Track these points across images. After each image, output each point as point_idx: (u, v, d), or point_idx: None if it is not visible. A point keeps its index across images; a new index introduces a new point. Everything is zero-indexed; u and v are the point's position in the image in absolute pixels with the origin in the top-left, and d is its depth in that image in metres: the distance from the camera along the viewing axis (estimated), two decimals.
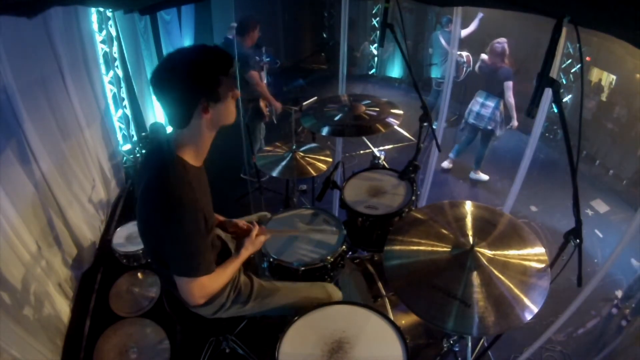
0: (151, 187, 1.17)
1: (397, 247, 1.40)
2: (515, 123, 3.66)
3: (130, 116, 4.00)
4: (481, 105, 3.67)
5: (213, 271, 1.23)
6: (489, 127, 3.65)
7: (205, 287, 1.24)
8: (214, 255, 1.42)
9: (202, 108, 1.13)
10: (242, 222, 1.61)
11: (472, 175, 4.08)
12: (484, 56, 3.67)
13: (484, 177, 4.07)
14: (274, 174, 2.28)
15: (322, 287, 1.57)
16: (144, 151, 3.47)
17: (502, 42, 3.47)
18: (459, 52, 4.40)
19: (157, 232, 1.19)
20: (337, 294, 1.59)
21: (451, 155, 4.15)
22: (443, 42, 4.60)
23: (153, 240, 1.25)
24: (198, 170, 1.23)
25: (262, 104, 3.53)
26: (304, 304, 1.44)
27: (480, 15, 4.40)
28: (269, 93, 3.46)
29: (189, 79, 1.10)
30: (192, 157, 1.21)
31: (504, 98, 3.52)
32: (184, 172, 1.15)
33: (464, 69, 4.60)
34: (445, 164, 4.20)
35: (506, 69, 3.48)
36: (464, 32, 4.35)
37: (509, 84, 3.47)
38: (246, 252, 1.44)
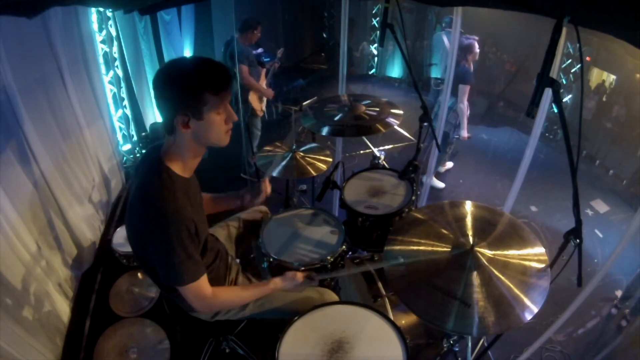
0: (137, 195, 1.17)
1: (397, 247, 1.40)
2: (464, 134, 3.36)
3: (130, 116, 4.00)
4: (439, 105, 3.43)
5: (199, 278, 1.19)
6: (444, 130, 3.34)
7: (202, 296, 1.22)
8: (212, 256, 1.41)
9: (181, 121, 1.09)
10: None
11: (423, 177, 3.40)
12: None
13: (439, 184, 3.84)
14: (274, 174, 2.27)
15: (319, 292, 1.57)
16: (143, 151, 3.48)
17: (470, 38, 3.19)
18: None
19: (141, 239, 1.19)
20: (334, 299, 1.58)
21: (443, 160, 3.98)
22: (447, 43, 4.57)
23: (139, 247, 1.24)
24: (186, 180, 1.20)
25: (251, 99, 3.56)
26: (302, 306, 1.43)
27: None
28: (257, 84, 3.53)
29: (170, 88, 1.08)
30: (180, 168, 1.18)
31: (460, 99, 3.24)
32: (169, 183, 1.13)
33: None
34: (441, 169, 4.08)
35: (463, 69, 3.20)
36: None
37: (463, 88, 3.18)
38: (280, 284, 1.38)
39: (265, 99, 3.79)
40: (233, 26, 3.50)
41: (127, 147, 4.01)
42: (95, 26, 3.24)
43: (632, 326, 2.40)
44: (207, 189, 1.51)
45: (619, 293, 2.69)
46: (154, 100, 1.15)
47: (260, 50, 4.24)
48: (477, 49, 3.25)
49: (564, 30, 0.99)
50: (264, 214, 1.94)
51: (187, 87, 1.06)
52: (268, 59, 4.19)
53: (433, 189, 3.25)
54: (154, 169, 1.15)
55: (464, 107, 3.27)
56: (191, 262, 1.15)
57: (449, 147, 3.63)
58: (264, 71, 3.76)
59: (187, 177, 1.21)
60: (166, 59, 4.38)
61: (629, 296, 2.60)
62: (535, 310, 1.14)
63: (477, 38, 3.25)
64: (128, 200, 1.22)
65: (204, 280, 1.21)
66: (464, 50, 3.20)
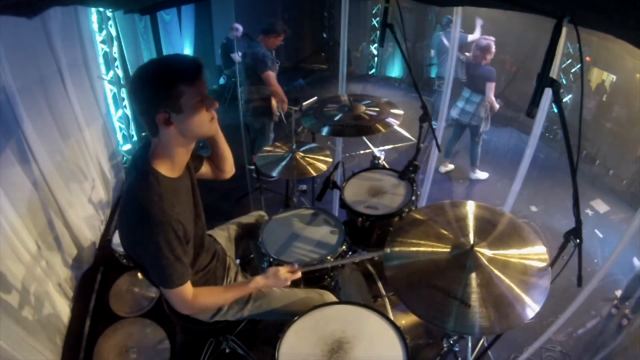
0: (125, 198, 1.18)
1: (397, 248, 1.40)
2: (495, 106, 3.61)
3: (130, 116, 4.00)
4: (466, 101, 3.66)
5: (186, 282, 1.19)
6: (473, 123, 3.65)
7: (184, 300, 1.21)
8: (208, 257, 1.42)
9: (162, 118, 1.09)
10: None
11: (471, 175, 4.07)
12: (468, 54, 3.72)
13: (483, 175, 4.06)
14: (274, 174, 2.28)
15: (319, 294, 1.57)
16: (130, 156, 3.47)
17: (488, 39, 3.44)
18: (465, 53, 4.40)
19: (131, 241, 1.19)
20: (333, 301, 1.58)
21: (472, 165, 4.06)
22: (446, 42, 4.60)
23: (130, 248, 1.24)
24: (174, 181, 1.19)
25: (274, 103, 3.53)
26: (301, 308, 1.43)
27: (480, 22, 4.37)
28: (282, 92, 3.48)
29: (144, 89, 1.08)
30: (167, 169, 1.17)
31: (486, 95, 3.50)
32: (155, 184, 1.12)
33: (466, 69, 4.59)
34: (442, 168, 4.16)
35: (487, 68, 3.45)
36: (470, 38, 4.35)
37: (490, 86, 3.43)
38: (262, 282, 1.36)
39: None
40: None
41: (127, 147, 4.01)
42: (95, 26, 3.24)
43: (632, 326, 2.40)
44: (208, 187, 1.51)
45: (619, 293, 2.69)
46: (134, 108, 1.14)
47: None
48: (494, 49, 3.45)
49: (564, 30, 0.99)
50: (258, 216, 1.94)
51: (159, 84, 1.06)
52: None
53: (432, 188, 3.27)
54: (141, 171, 1.15)
55: (493, 99, 3.51)
56: (179, 265, 1.15)
57: (479, 137, 3.80)
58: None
59: (175, 177, 1.20)
60: None
61: (628, 296, 2.60)
62: (536, 309, 1.14)
63: (493, 39, 3.46)
64: (120, 202, 1.23)
65: (189, 284, 1.21)
66: (484, 50, 3.42)
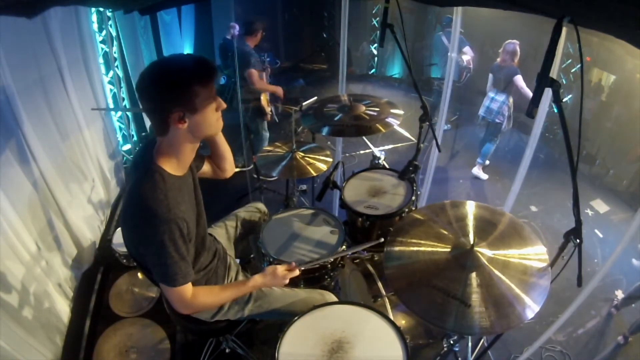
0: (129, 196, 1.17)
1: (397, 248, 1.40)
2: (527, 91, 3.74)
3: (130, 116, 4.00)
4: (491, 100, 3.83)
5: (189, 281, 1.19)
6: (497, 121, 3.79)
7: (185, 299, 1.21)
8: (209, 256, 1.41)
9: (177, 118, 1.09)
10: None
11: (473, 170, 4.09)
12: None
13: (483, 175, 4.07)
14: (274, 174, 2.28)
15: (320, 294, 1.56)
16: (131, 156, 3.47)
17: (514, 43, 3.64)
18: (461, 57, 4.44)
19: (134, 239, 1.19)
20: (333, 300, 1.58)
21: (479, 160, 4.07)
22: (446, 43, 4.60)
23: (133, 247, 1.24)
24: (179, 179, 1.19)
25: (263, 102, 3.54)
26: (302, 308, 1.43)
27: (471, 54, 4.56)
28: (268, 85, 3.52)
29: (160, 88, 1.07)
30: (173, 167, 1.18)
31: (510, 94, 3.72)
32: (161, 183, 1.12)
33: (465, 73, 4.60)
34: (476, 171, 4.12)
35: (512, 68, 3.63)
36: (467, 49, 4.51)
37: (518, 77, 3.61)
38: (260, 281, 1.36)
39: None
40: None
41: (127, 147, 4.01)
42: (95, 26, 3.24)
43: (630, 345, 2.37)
44: (208, 186, 1.51)
45: (619, 293, 2.69)
46: (144, 106, 1.13)
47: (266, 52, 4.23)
48: (519, 51, 3.65)
49: (564, 30, 0.99)
50: (262, 214, 1.93)
51: (177, 83, 1.07)
52: (269, 59, 4.17)
53: (432, 187, 3.28)
54: (146, 170, 1.15)
55: (526, 90, 3.64)
56: (183, 264, 1.15)
57: (497, 136, 3.96)
58: (264, 74, 3.75)
59: (180, 175, 1.21)
60: None
61: (632, 297, 2.58)
62: (536, 309, 1.14)
63: (517, 42, 3.65)
64: (122, 200, 1.23)
65: (190, 284, 1.21)
66: (512, 54, 3.64)
